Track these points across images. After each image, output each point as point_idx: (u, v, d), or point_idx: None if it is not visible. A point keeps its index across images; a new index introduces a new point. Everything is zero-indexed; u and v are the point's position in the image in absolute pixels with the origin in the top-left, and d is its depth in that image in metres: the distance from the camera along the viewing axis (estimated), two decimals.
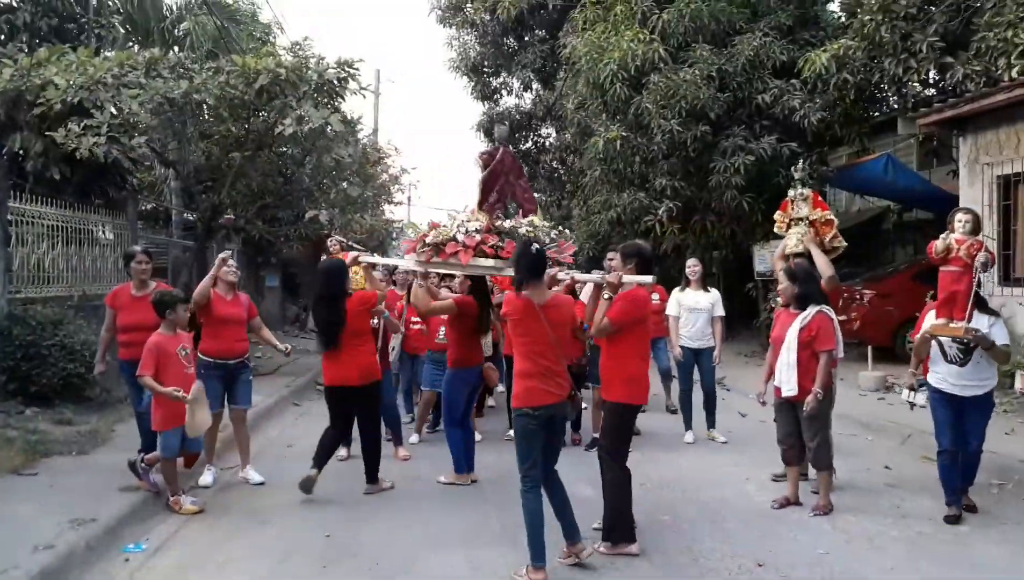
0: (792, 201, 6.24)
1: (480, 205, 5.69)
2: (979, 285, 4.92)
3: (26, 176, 10.02)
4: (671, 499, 5.61)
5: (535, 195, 6.97)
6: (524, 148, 22.02)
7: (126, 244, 10.99)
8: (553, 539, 4.27)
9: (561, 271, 5.02)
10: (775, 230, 6.56)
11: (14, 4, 11.40)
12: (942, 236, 4.94)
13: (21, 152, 10.17)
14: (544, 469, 4.26)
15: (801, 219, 6.13)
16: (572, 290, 5.65)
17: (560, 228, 5.86)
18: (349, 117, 13.09)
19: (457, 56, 20.50)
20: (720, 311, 7.61)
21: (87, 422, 7.15)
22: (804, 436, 5.29)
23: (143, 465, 5.40)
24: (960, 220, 4.98)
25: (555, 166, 21.35)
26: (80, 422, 7.16)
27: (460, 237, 5.26)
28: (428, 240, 5.41)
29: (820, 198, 6.38)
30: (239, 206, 12.73)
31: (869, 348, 10.38)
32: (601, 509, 4.60)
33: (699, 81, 11.39)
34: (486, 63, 20.50)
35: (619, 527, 4.52)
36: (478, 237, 5.26)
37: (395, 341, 7.68)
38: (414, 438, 7.34)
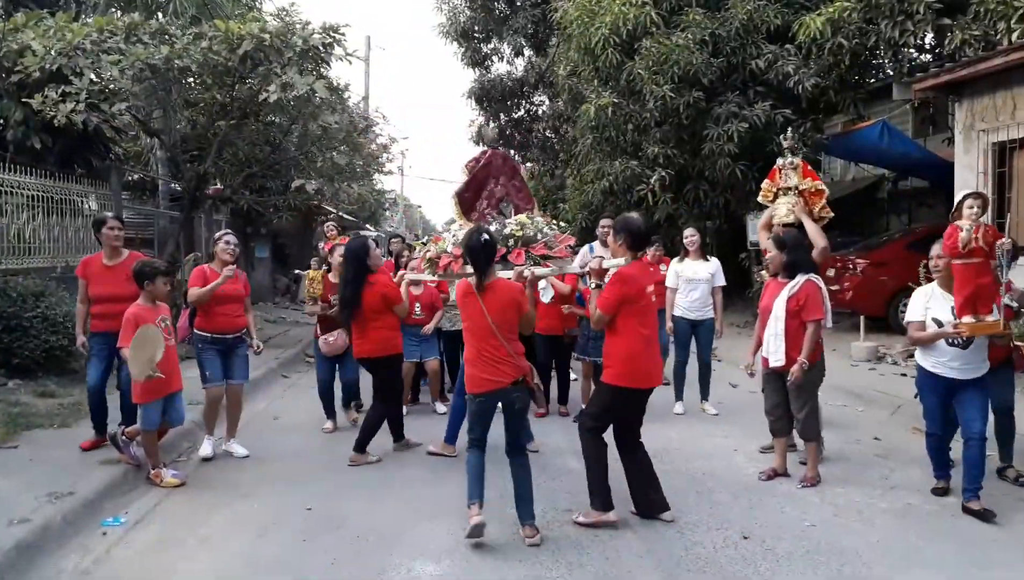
0: (780, 169, 6.13)
1: (467, 215, 5.68)
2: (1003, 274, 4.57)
3: (6, 145, 9.85)
4: (659, 470, 5.39)
5: (528, 182, 6.98)
6: (516, 116, 21.80)
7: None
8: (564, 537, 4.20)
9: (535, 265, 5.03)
10: (759, 200, 6.46)
11: None
12: (963, 227, 4.40)
13: (1, 121, 9.99)
14: (510, 443, 4.38)
15: (790, 189, 6.02)
16: None
17: (555, 222, 5.77)
18: (336, 84, 12.87)
19: (447, 21, 20.18)
20: (721, 281, 7.51)
21: (70, 394, 7.06)
22: (792, 407, 5.23)
23: (124, 438, 5.33)
24: (970, 206, 4.50)
25: (548, 135, 21.14)
26: (63, 394, 7.08)
27: (449, 249, 5.36)
28: (428, 255, 5.51)
29: (809, 167, 6.26)
30: (226, 176, 12.55)
31: (862, 318, 10.32)
32: (568, 487, 4.56)
33: (692, 46, 11.18)
34: (476, 28, 20.19)
35: (596, 495, 4.47)
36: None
37: None
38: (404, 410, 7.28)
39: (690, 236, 7.57)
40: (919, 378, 4.87)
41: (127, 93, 9.61)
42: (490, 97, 21.10)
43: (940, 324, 4.64)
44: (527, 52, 20.44)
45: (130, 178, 15.10)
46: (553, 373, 7.59)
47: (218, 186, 13.49)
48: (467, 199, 5.95)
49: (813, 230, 5.70)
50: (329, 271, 6.86)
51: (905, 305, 10.57)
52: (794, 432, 5.41)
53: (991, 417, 4.83)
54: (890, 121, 12.92)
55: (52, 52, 8.57)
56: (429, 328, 7.22)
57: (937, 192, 13.43)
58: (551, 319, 7.04)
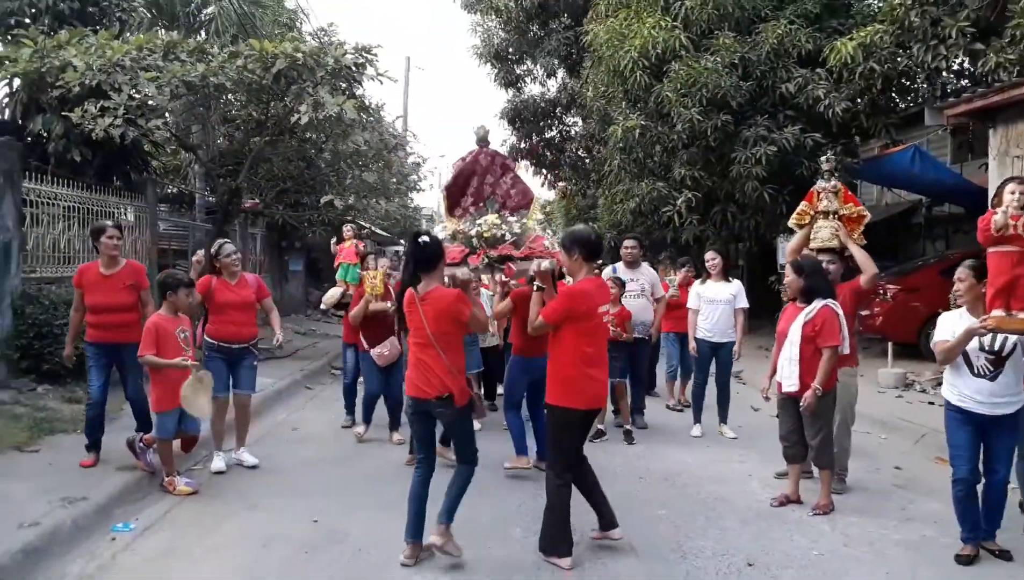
0: (819, 193, 5.92)
1: (450, 211, 5.69)
2: None
3: (48, 158, 10.16)
4: (669, 494, 5.50)
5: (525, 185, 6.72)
6: (548, 136, 21.89)
7: (145, 227, 11.13)
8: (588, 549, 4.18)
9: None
10: (790, 223, 6.28)
11: None
12: (1000, 210, 4.04)
13: (44, 133, 10.32)
14: (456, 452, 4.39)
15: (830, 213, 5.83)
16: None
17: (525, 222, 5.69)
18: (370, 103, 13.08)
19: (481, 43, 20.41)
20: (743, 303, 7.44)
21: None
22: (806, 433, 5.14)
23: (141, 445, 5.43)
24: (1013, 191, 4.08)
25: (580, 155, 21.18)
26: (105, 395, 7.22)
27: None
28: None
29: (850, 192, 6.06)
30: (260, 191, 12.80)
31: (890, 344, 10.12)
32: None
33: (721, 69, 11.16)
34: (510, 50, 20.38)
35: (550, 536, 4.24)
36: (455, 247, 5.27)
37: None
38: None
39: (711, 259, 7.52)
40: (946, 414, 4.43)
41: (164, 109, 9.89)
42: (522, 117, 21.25)
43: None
44: (560, 73, 20.57)
45: (169, 191, 15.49)
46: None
47: (254, 201, 13.76)
48: (453, 194, 5.93)
49: (862, 256, 5.58)
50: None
51: None
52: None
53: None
54: (928, 146, 12.74)
55: (93, 68, 8.86)
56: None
57: (973, 219, 13.12)
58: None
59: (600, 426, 7.05)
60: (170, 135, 11.19)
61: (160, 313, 5.28)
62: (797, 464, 5.30)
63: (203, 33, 14.69)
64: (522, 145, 21.89)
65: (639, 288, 7.58)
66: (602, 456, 6.42)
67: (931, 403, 8.44)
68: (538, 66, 20.51)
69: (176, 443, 5.43)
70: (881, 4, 11.58)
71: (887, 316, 10.99)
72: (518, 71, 21.15)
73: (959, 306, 4.55)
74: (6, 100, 10.89)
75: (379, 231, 20.04)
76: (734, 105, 11.36)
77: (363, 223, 18.79)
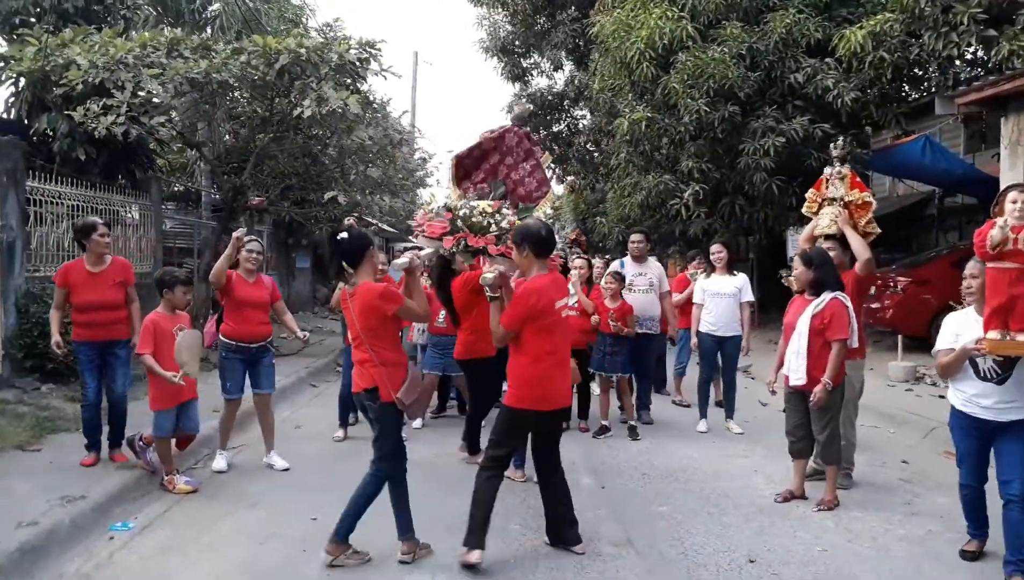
0: (827, 180, 5.82)
1: (458, 183, 5.52)
2: None
3: (53, 157, 10.19)
4: (672, 490, 5.45)
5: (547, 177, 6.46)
6: (556, 130, 21.78)
7: (150, 225, 11.16)
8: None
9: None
10: (803, 211, 6.17)
11: None
12: (998, 223, 3.70)
13: (50, 132, 10.35)
14: (375, 452, 4.21)
15: (835, 199, 5.72)
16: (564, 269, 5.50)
17: (511, 211, 5.39)
18: (375, 99, 13.04)
19: (487, 36, 20.30)
20: (748, 296, 7.35)
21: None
22: (813, 428, 5.07)
23: (141, 443, 5.41)
24: (1015, 200, 3.77)
25: (589, 148, 21.06)
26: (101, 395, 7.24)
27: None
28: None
29: (858, 178, 5.94)
30: (265, 187, 12.79)
31: (899, 337, 10.00)
32: (599, 498, 4.47)
33: (728, 60, 11.03)
34: (517, 43, 20.26)
35: (472, 532, 4.07)
36: (439, 221, 5.11)
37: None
38: (417, 423, 7.25)
39: (716, 252, 7.43)
40: (951, 418, 4.23)
41: (168, 106, 9.89)
42: (530, 111, 21.12)
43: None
44: (567, 66, 20.45)
45: (175, 189, 15.52)
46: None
47: (260, 198, 13.77)
48: (466, 165, 5.67)
49: (857, 243, 5.45)
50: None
51: None
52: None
53: None
54: (941, 137, 12.58)
55: (96, 66, 8.87)
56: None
57: (987, 209, 12.96)
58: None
59: (605, 422, 7.01)
60: (175, 133, 11.20)
61: (158, 311, 5.27)
62: (803, 459, 5.23)
63: (208, 30, 14.70)
64: (523, 100, 21.75)
65: (647, 283, 7.52)
66: (606, 452, 6.40)
67: (941, 397, 8.30)
68: (545, 59, 20.40)
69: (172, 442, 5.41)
70: None
71: (897, 309, 10.85)
72: (525, 64, 21.03)
73: (969, 303, 4.37)
74: (11, 99, 10.91)
75: (385, 227, 20.01)
76: (742, 96, 11.24)
77: (369, 219, 18.81)
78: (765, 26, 11.45)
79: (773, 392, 5.52)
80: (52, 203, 8.68)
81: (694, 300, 7.56)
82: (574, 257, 8.05)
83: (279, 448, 6.05)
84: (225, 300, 5.73)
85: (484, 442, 4.96)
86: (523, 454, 5.52)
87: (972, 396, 4.03)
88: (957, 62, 11.33)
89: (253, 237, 6.18)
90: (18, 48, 9.50)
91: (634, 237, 7.77)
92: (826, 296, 4.98)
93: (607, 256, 11.56)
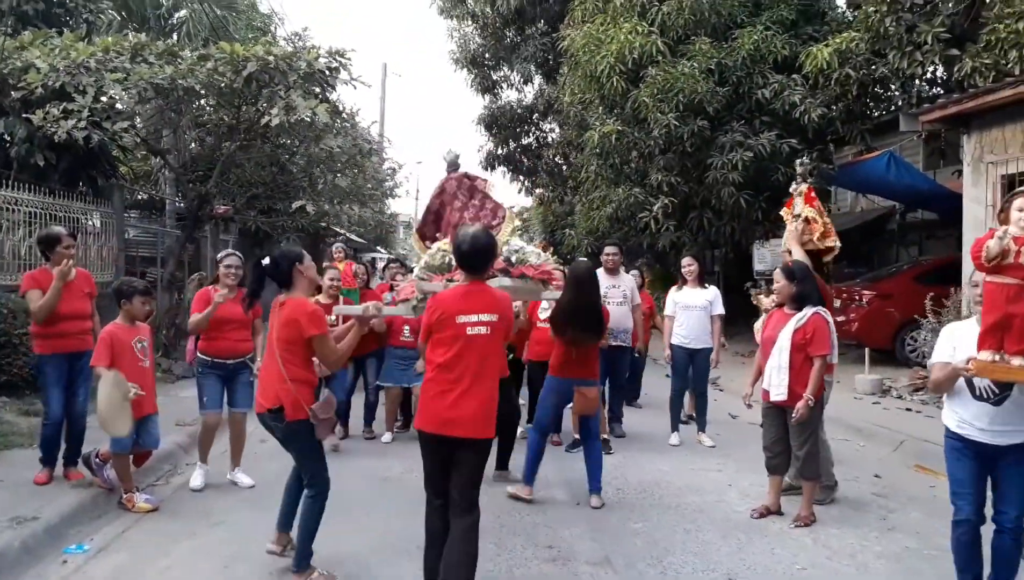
0: (794, 197, 5.90)
1: (424, 238, 5.53)
2: None
3: (10, 162, 9.87)
4: (646, 505, 5.38)
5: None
6: (525, 143, 21.83)
7: (112, 233, 10.86)
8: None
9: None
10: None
11: None
12: (997, 233, 3.36)
13: (7, 137, 10.03)
14: (303, 477, 4.12)
15: (797, 216, 5.78)
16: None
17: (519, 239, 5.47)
18: (344, 108, 12.91)
19: (458, 48, 20.32)
20: (719, 309, 7.36)
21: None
22: (792, 444, 5.00)
23: (97, 460, 5.19)
24: (1020, 208, 3.41)
25: (557, 161, 21.12)
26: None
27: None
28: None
29: (813, 194, 5.97)
30: (231, 196, 12.56)
31: (867, 350, 10.10)
32: (574, 515, 4.35)
33: (698, 75, 11.14)
34: (487, 55, 20.32)
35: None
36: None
37: None
38: (387, 437, 7.13)
39: (688, 265, 7.44)
40: (945, 443, 3.82)
41: (131, 112, 9.65)
42: (499, 124, 21.17)
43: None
44: (537, 80, 20.53)
45: (138, 197, 15.17)
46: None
47: (226, 206, 13.52)
48: (426, 232, 5.73)
49: (797, 255, 5.46)
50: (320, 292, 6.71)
51: (913, 338, 10.49)
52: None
53: None
54: (901, 153, 12.79)
55: (57, 70, 8.62)
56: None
57: (947, 225, 13.24)
58: (546, 345, 6.84)
59: (577, 436, 6.91)
60: (139, 139, 10.94)
61: (116, 322, 5.06)
62: (779, 475, 5.18)
63: (175, 37, 14.44)
64: (499, 151, 21.80)
65: (620, 295, 7.46)
66: (579, 466, 6.29)
67: (908, 410, 8.42)
68: (515, 72, 20.47)
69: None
70: (856, 12, 11.62)
71: (862, 322, 10.99)
72: (495, 77, 21.08)
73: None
74: None
75: (354, 237, 19.83)
76: (710, 111, 11.34)
77: (338, 229, 18.60)
78: (733, 42, 11.60)
79: (749, 406, 5.47)
80: (8, 209, 8.39)
81: (665, 312, 7.55)
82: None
83: (242, 464, 5.85)
84: None
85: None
86: (534, 469, 5.43)
87: (967, 417, 3.64)
88: (918, 81, 11.55)
89: (231, 251, 5.99)
90: None
91: (608, 249, 7.71)
92: (808, 311, 4.93)
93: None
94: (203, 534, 4.64)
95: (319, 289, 6.63)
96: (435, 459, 3.71)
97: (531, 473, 5.44)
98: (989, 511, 3.69)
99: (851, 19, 11.35)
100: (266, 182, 12.27)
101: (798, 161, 6.21)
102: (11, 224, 8.46)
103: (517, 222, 5.75)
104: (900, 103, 12.16)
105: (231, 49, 9.13)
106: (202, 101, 10.44)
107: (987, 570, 3.76)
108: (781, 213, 6.05)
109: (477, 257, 3.73)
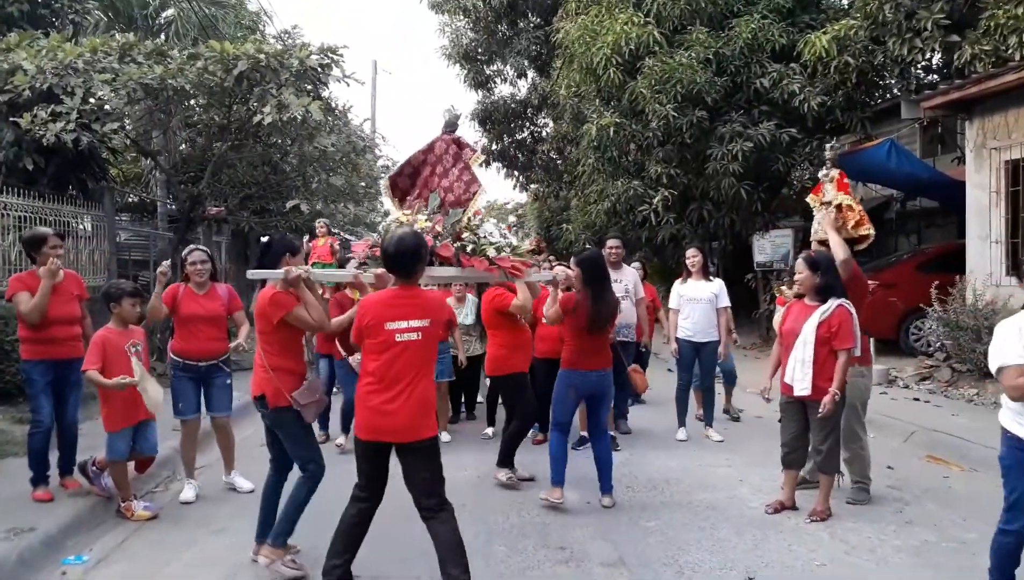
0: (823, 183, 5.67)
1: (401, 202, 5.28)
2: None
3: None
4: (658, 502, 5.27)
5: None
6: (520, 137, 21.69)
7: (103, 237, 10.70)
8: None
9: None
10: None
11: None
12: None
13: None
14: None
15: (827, 203, 5.55)
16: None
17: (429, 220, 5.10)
18: (337, 106, 12.77)
19: (450, 43, 20.15)
20: (725, 302, 7.22)
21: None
22: (813, 438, 4.85)
23: (94, 468, 5.07)
24: None
25: (552, 156, 20.98)
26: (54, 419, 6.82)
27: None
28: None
29: (845, 180, 5.73)
30: (224, 197, 12.39)
31: (871, 340, 9.99)
32: (585, 514, 4.21)
33: (695, 65, 11.01)
34: (479, 50, 20.15)
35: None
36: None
37: None
38: None
39: (692, 256, 7.30)
40: (1003, 448, 3.41)
41: (120, 113, 9.49)
42: (493, 119, 21.02)
43: None
44: (530, 74, 20.38)
45: (129, 200, 15.00)
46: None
47: (218, 207, 13.35)
48: (400, 185, 5.44)
49: (835, 242, 5.23)
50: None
51: (918, 327, 10.39)
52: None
53: None
54: (898, 141, 12.68)
55: (44, 71, 8.46)
56: (462, 358, 7.22)
57: (947, 212, 13.16)
58: (551, 342, 6.67)
59: (583, 433, 6.80)
60: (129, 141, 10.78)
61: (108, 326, 4.91)
62: (795, 470, 5.06)
63: (163, 37, 14.26)
64: (493, 146, 21.65)
65: (623, 290, 7.31)
66: (587, 464, 6.16)
67: (916, 399, 8.33)
68: (508, 66, 20.30)
69: (130, 464, 5.07)
70: (847, 2, 11.54)
71: (866, 312, 10.80)
72: (488, 72, 20.90)
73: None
74: None
75: (348, 236, 19.66)
76: (709, 101, 11.22)
77: (333, 229, 18.45)
78: (730, 31, 11.47)
79: (768, 399, 5.31)
80: None
81: (670, 305, 7.43)
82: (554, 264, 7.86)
83: (243, 468, 5.70)
84: (173, 316, 5.36)
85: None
86: (562, 470, 5.22)
87: None
88: (915, 69, 11.46)
89: (196, 246, 5.69)
90: None
91: (611, 243, 7.57)
92: (832, 303, 4.77)
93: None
94: (205, 542, 4.52)
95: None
96: (370, 463, 3.73)
97: (560, 475, 5.20)
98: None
99: (848, 6, 11.24)
100: (259, 182, 12.12)
101: (828, 145, 5.98)
102: (0, 229, 8.30)
103: (482, 202, 5.39)
104: (898, 90, 12.05)
105: (221, 48, 8.98)
106: (192, 101, 10.29)
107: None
108: (808, 200, 5.82)
109: (402, 260, 3.64)
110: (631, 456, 6.52)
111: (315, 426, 6.83)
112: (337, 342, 6.43)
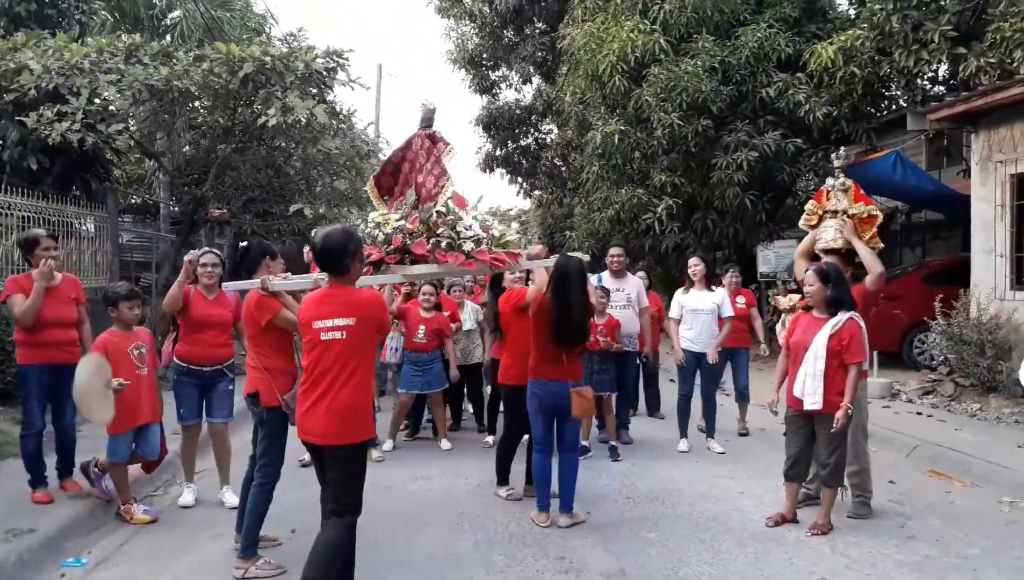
0: (829, 191, 5.56)
1: (384, 199, 5.24)
2: None
3: (3, 166, 9.71)
4: (659, 514, 5.23)
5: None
6: (524, 144, 21.70)
7: (106, 238, 10.70)
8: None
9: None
10: (800, 224, 5.82)
11: None
12: None
13: (0, 140, 9.87)
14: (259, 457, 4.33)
15: (837, 212, 5.46)
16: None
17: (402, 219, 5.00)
18: (341, 109, 12.76)
19: (455, 48, 20.18)
20: (728, 311, 7.18)
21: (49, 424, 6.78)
22: (820, 452, 4.80)
23: (96, 470, 5.05)
24: None
25: (556, 163, 20.99)
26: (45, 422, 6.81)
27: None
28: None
29: (862, 191, 5.63)
30: (227, 199, 12.41)
31: (875, 353, 9.97)
32: (586, 525, 4.18)
33: (701, 73, 11.01)
34: (485, 55, 20.18)
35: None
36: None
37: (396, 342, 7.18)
38: (388, 444, 6.96)
39: (694, 265, 7.26)
40: None
41: (125, 114, 9.50)
42: (497, 125, 21.03)
43: None
44: (535, 80, 20.38)
45: (132, 201, 15.02)
46: None
47: (221, 210, 13.37)
48: (383, 183, 5.40)
49: (867, 255, 5.19)
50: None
51: (922, 341, 10.34)
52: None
53: None
54: (904, 152, 12.67)
55: (50, 71, 8.48)
56: (454, 374, 7.11)
57: (951, 225, 13.13)
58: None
59: (585, 442, 6.77)
60: (133, 142, 10.79)
61: (111, 330, 4.90)
62: (797, 483, 5.03)
63: (168, 38, 14.30)
64: (497, 153, 21.67)
65: (625, 298, 7.31)
66: (588, 474, 6.15)
67: (919, 413, 8.29)
68: (513, 72, 20.31)
69: (136, 466, 5.06)
70: (859, 9, 11.54)
71: (869, 324, 10.80)
72: (493, 77, 20.94)
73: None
74: None
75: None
76: (714, 110, 11.22)
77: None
78: (736, 40, 11.48)
79: (775, 412, 5.26)
80: (1, 214, 8.22)
81: (671, 315, 7.39)
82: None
83: (236, 474, 5.64)
84: (180, 318, 5.26)
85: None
86: (546, 496, 5.01)
87: None
88: (920, 80, 11.46)
89: (208, 249, 5.64)
90: None
91: (613, 251, 7.56)
92: (843, 316, 4.73)
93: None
94: (204, 546, 4.50)
95: None
96: (315, 461, 3.78)
97: (544, 499, 5.01)
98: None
99: (855, 16, 11.24)
100: (262, 185, 12.12)
101: (835, 155, 5.89)
102: (4, 229, 8.30)
103: (449, 193, 5.25)
104: (904, 102, 12.05)
105: (227, 50, 9.00)
106: (197, 103, 10.30)
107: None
108: (808, 205, 5.73)
109: (328, 257, 3.62)
110: (632, 467, 6.49)
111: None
112: None
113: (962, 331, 8.42)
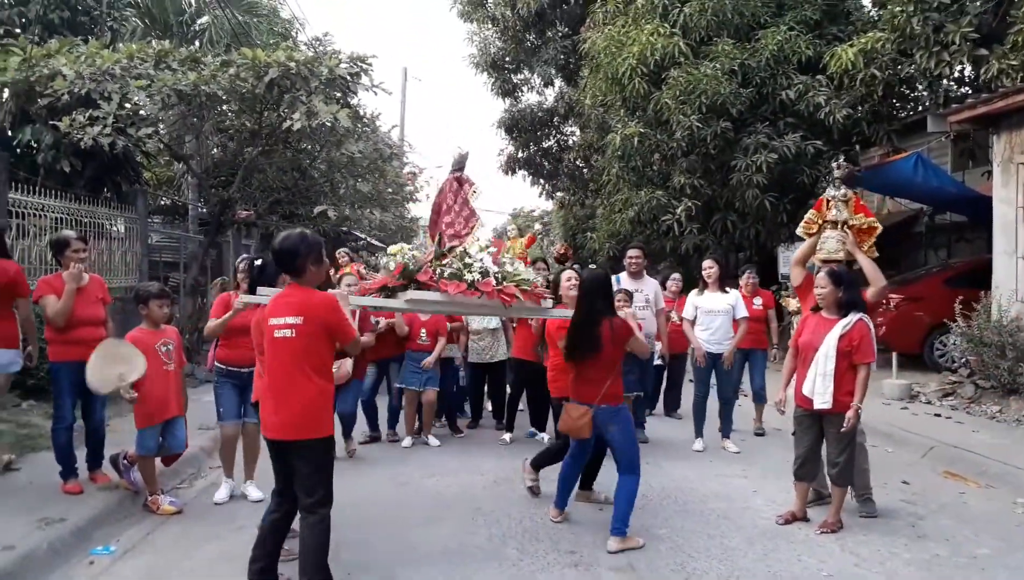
0: (829, 201, 5.59)
1: (434, 238, 5.43)
2: None
3: (37, 169, 10.01)
4: (671, 511, 5.31)
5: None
6: (546, 146, 21.82)
7: (136, 239, 10.97)
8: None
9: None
10: (798, 232, 6.00)
11: None
12: None
13: (34, 144, 10.17)
14: None
15: (838, 223, 5.51)
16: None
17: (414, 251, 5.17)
18: (365, 113, 12.95)
19: (478, 52, 20.34)
20: (743, 313, 7.26)
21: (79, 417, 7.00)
22: (830, 451, 4.87)
23: (125, 462, 5.23)
24: None
25: (578, 165, 21.08)
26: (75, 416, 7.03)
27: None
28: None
29: (862, 201, 5.74)
30: (253, 201, 12.65)
31: (894, 355, 9.94)
32: (597, 520, 4.26)
33: (720, 76, 11.05)
34: (507, 59, 20.32)
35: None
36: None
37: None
38: (407, 441, 7.11)
39: (708, 268, 7.35)
40: None
41: (155, 118, 9.74)
42: (520, 127, 21.17)
43: None
44: (557, 82, 20.50)
45: (161, 202, 15.33)
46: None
47: (248, 211, 13.62)
48: (434, 233, 5.69)
49: (870, 267, 5.25)
50: None
51: (943, 343, 10.32)
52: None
53: None
54: (929, 154, 12.59)
55: (82, 77, 8.73)
56: (430, 361, 7.10)
57: (976, 227, 13.02)
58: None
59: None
60: (162, 145, 11.05)
61: (140, 327, 5.09)
62: (807, 482, 5.09)
63: (197, 43, 14.60)
64: (520, 155, 21.79)
65: (643, 300, 7.38)
66: (601, 471, 6.25)
67: (937, 415, 8.27)
68: (535, 75, 20.45)
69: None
70: (881, 12, 11.50)
71: (890, 326, 10.79)
72: (515, 80, 21.09)
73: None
74: None
75: (375, 242, 19.90)
76: (734, 112, 11.25)
77: (359, 234, 18.68)
78: (756, 43, 11.50)
79: (783, 411, 5.32)
80: (35, 216, 8.48)
81: (684, 316, 7.46)
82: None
83: (266, 466, 5.78)
84: None
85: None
86: (565, 496, 5.10)
87: None
88: (945, 81, 11.39)
89: (247, 256, 5.81)
90: (2, 58, 9.37)
91: (631, 252, 7.63)
92: (853, 317, 4.80)
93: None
94: (227, 538, 4.65)
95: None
96: (273, 460, 3.83)
97: (563, 498, 5.10)
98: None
99: (876, 19, 11.21)
100: (288, 187, 12.35)
101: (835, 164, 5.92)
102: (38, 230, 8.56)
103: (480, 238, 5.44)
104: (927, 103, 11.99)
105: (253, 55, 9.20)
106: (224, 107, 10.53)
107: None
108: (808, 214, 5.74)
109: (282, 257, 3.74)
110: (647, 465, 6.47)
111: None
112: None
113: (982, 333, 8.38)
